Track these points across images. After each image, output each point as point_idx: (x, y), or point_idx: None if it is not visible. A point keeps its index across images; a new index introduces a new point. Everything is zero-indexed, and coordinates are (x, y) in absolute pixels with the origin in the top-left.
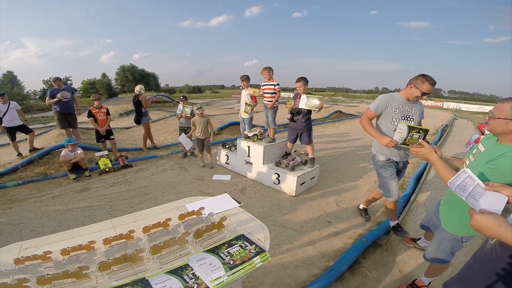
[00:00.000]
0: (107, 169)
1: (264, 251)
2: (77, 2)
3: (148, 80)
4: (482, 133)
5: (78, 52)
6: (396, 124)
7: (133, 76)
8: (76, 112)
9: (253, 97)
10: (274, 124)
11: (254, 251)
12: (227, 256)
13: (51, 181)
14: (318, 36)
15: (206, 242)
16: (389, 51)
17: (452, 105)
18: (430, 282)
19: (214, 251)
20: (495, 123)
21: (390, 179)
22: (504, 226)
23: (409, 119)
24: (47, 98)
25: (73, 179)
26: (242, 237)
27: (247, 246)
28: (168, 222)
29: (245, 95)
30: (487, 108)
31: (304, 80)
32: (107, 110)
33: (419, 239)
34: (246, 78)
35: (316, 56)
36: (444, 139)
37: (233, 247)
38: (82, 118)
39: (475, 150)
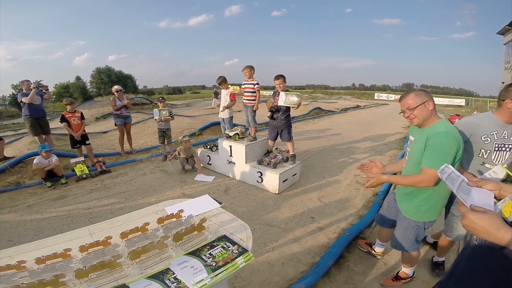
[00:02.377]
0: (84, 176)
1: (247, 251)
2: (45, 3)
3: (126, 82)
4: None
5: (49, 55)
6: (485, 156)
7: (109, 78)
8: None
9: (231, 95)
10: (255, 123)
11: (237, 252)
12: (209, 258)
13: (25, 190)
14: (296, 34)
15: (187, 245)
16: (363, 48)
17: None
18: (414, 273)
19: (195, 253)
20: (418, 112)
21: (458, 218)
22: (504, 229)
23: (504, 149)
24: (23, 99)
25: (49, 187)
26: (224, 238)
27: (229, 247)
28: (146, 227)
29: (225, 95)
30: (457, 101)
31: (282, 77)
32: (81, 114)
33: (374, 243)
34: (222, 80)
35: (295, 54)
36: None
37: (215, 248)
38: (55, 124)
39: (408, 142)
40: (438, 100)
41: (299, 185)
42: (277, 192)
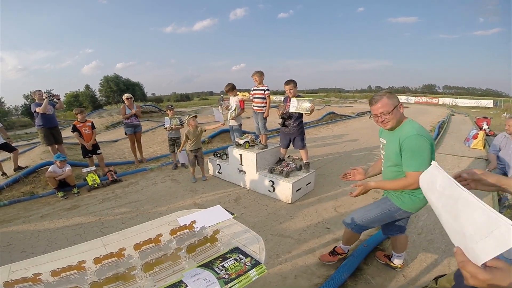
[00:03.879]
0: (96, 185)
1: (259, 263)
2: (50, 11)
3: (134, 89)
4: (480, 128)
5: (58, 64)
6: None
7: (118, 86)
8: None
9: (240, 102)
10: (266, 130)
11: (250, 264)
12: (222, 270)
13: (38, 200)
14: (304, 37)
15: (200, 257)
16: (379, 49)
17: (448, 100)
18: (348, 250)
19: (208, 265)
20: (393, 116)
21: None
22: None
23: None
24: (36, 109)
25: (61, 197)
26: (236, 250)
27: (242, 259)
28: (159, 238)
29: (233, 101)
30: (483, 102)
31: (293, 82)
32: (92, 123)
33: (392, 255)
34: (230, 89)
35: (304, 57)
36: (442, 136)
37: (228, 260)
38: (66, 133)
39: (381, 145)
40: (463, 102)
41: (313, 194)
42: (290, 202)
